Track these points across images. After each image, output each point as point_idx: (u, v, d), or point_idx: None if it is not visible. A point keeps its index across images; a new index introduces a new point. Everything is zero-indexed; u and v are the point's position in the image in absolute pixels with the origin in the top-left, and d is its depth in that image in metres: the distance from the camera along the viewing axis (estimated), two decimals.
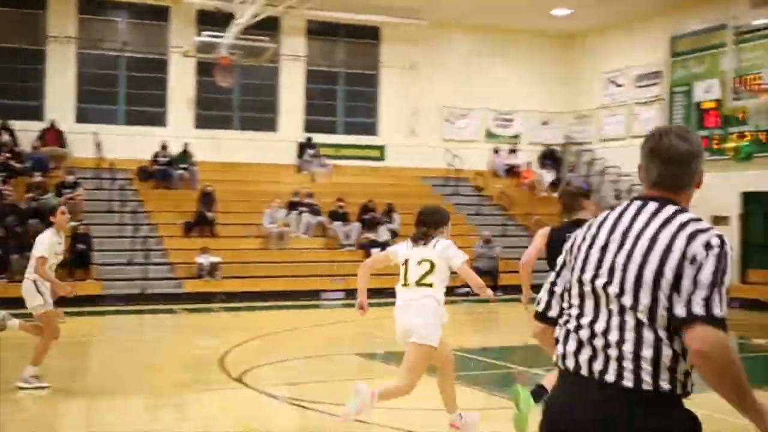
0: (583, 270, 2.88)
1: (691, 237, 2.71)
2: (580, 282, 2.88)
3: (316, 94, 24.68)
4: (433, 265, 6.57)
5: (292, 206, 21.03)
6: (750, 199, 20.77)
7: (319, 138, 24.20)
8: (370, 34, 25.05)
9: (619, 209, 2.94)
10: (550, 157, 26.17)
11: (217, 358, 11.13)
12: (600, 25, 25.13)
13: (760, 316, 16.03)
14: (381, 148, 25.15)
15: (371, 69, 25.24)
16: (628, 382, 2.69)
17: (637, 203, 2.92)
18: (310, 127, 24.36)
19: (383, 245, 20.75)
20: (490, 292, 6.84)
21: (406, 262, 6.76)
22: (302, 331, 14.46)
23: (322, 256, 20.47)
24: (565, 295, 2.98)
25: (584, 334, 2.82)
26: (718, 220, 19.61)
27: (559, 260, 3.08)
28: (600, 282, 2.81)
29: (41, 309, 8.83)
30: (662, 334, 2.68)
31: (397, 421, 8.07)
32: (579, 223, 4.06)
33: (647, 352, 2.68)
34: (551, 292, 3.09)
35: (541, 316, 3.12)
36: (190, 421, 8.28)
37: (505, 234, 22.34)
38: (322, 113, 24.78)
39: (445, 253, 6.51)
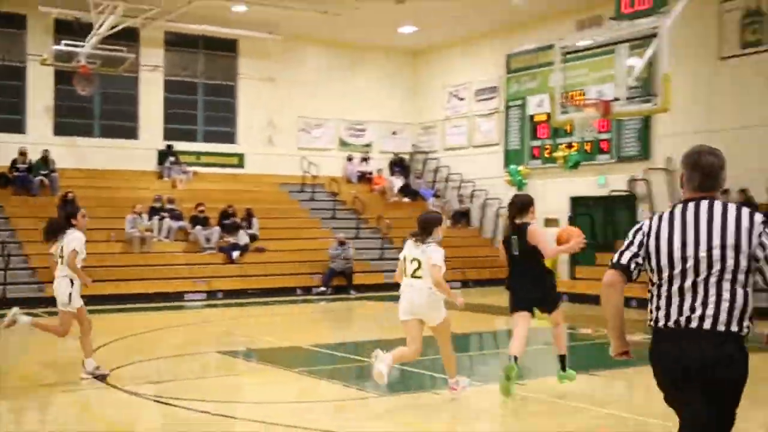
0: (671, 248, 3.86)
1: (751, 215, 3.80)
2: (671, 257, 3.86)
3: (176, 104, 24.32)
4: (420, 263, 7.95)
5: (153, 211, 20.69)
6: (577, 203, 21.83)
7: (179, 146, 23.89)
8: (228, 47, 24.88)
9: (679, 207, 3.97)
10: (399, 165, 26.65)
11: (80, 359, 10.83)
12: (443, 43, 25.81)
13: (586, 309, 16.82)
14: (240, 155, 25.01)
15: (230, 80, 25.07)
16: (721, 326, 3.73)
17: (692, 202, 3.95)
18: (170, 135, 23.99)
19: (243, 248, 20.72)
20: (460, 300, 8.09)
21: (404, 259, 8.18)
22: (166, 331, 14.23)
23: (184, 259, 20.23)
24: (651, 267, 3.96)
25: (683, 295, 3.82)
26: (550, 222, 20.47)
27: (636, 239, 4.02)
28: (690, 253, 3.81)
29: (75, 305, 9.28)
30: (741, 290, 3.75)
31: (262, 416, 8.11)
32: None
33: (732, 305, 3.74)
34: (635, 256, 4.02)
35: (622, 267, 4.02)
36: (54, 423, 8.05)
37: (358, 236, 22.62)
38: (183, 122, 24.45)
39: (426, 255, 7.92)
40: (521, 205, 8.64)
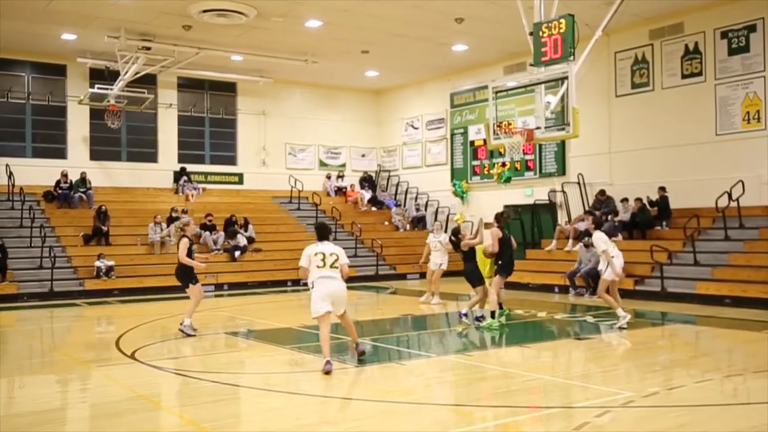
0: None
1: None
2: None
3: (187, 134, 24.08)
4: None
5: (170, 220, 20.41)
6: (509, 210, 21.87)
7: (191, 167, 23.64)
8: (229, 88, 24.67)
9: None
10: (368, 181, 26.57)
11: (113, 340, 10.65)
12: (400, 83, 25.82)
13: (518, 294, 16.88)
14: (240, 175, 24.79)
15: (231, 114, 24.86)
16: None
17: None
18: (183, 158, 23.73)
19: (243, 249, 20.50)
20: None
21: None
22: (181, 317, 13.98)
23: (196, 258, 19.93)
24: None
25: None
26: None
27: None
28: None
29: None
30: None
31: (261, 384, 7.98)
32: None
33: None
34: None
35: None
36: (92, 390, 7.87)
37: (336, 239, 22.45)
38: (193, 148, 24.20)
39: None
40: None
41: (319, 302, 8.12)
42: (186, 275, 10.91)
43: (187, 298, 11.29)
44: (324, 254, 8.21)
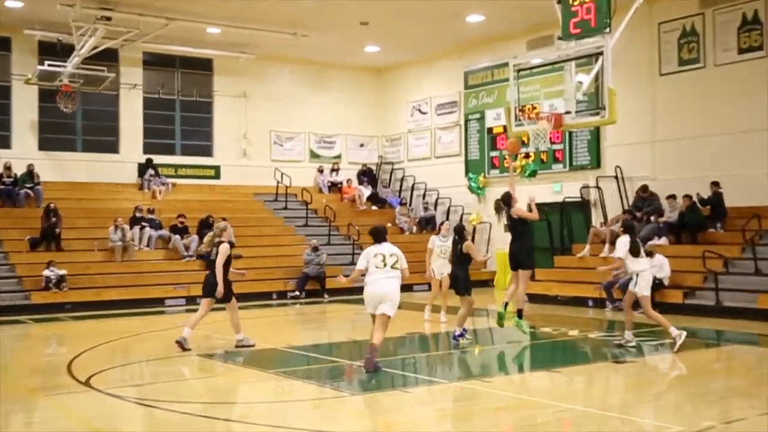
0: None
1: None
2: None
3: (154, 119, 24.04)
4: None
5: (134, 221, 20.38)
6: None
7: (158, 159, 23.59)
8: (203, 66, 24.64)
9: None
10: (367, 175, 26.53)
11: (65, 363, 10.56)
12: (406, 61, 25.77)
13: (544, 308, 16.80)
14: (216, 168, 24.75)
15: (206, 97, 24.81)
16: None
17: None
18: (149, 149, 23.68)
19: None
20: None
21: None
22: (147, 336, 13.92)
23: (164, 266, 19.93)
24: None
25: None
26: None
27: None
28: None
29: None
30: None
31: (241, 416, 7.92)
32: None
33: None
34: None
35: None
36: (39, 424, 7.78)
37: (330, 243, 22.42)
38: (161, 136, 24.16)
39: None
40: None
41: (368, 304, 9.61)
42: (215, 286, 11.32)
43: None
44: (384, 255, 9.57)
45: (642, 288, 11.10)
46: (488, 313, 16.08)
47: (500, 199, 12.35)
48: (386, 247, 9.69)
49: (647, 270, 11.24)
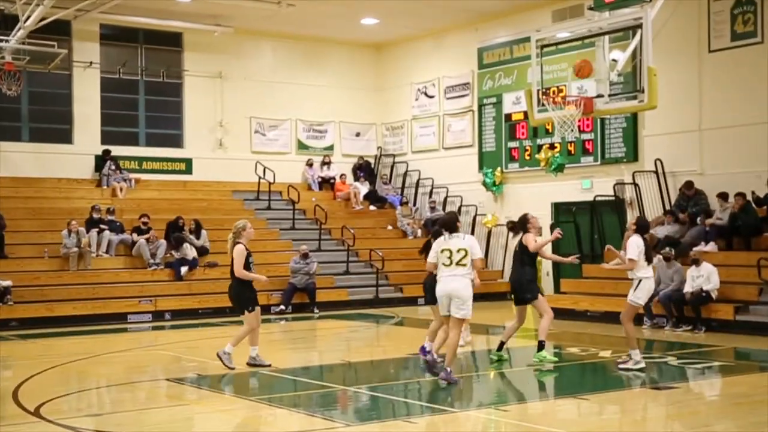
0: None
1: None
2: None
3: (114, 104, 24.03)
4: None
5: (91, 224, 20.38)
6: (559, 209, 21.87)
7: (119, 150, 23.56)
8: (172, 41, 24.66)
9: None
10: (364, 169, 26.54)
11: (10, 390, 10.63)
12: (409, 35, 25.78)
13: (572, 325, 16.79)
14: (187, 161, 24.78)
15: (174, 77, 24.84)
16: None
17: None
18: (108, 138, 23.64)
19: (192, 263, 20.48)
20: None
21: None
22: (107, 357, 13.97)
23: (127, 276, 19.96)
24: None
25: None
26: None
27: None
28: None
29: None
30: None
31: None
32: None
33: None
34: None
35: None
36: None
37: (321, 249, 22.44)
38: (122, 124, 24.18)
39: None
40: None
41: (440, 305, 10.30)
42: (245, 296, 11.67)
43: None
44: (451, 251, 10.07)
45: (638, 297, 11.36)
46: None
47: (516, 222, 12.63)
48: (455, 241, 10.15)
49: (651, 278, 11.42)
